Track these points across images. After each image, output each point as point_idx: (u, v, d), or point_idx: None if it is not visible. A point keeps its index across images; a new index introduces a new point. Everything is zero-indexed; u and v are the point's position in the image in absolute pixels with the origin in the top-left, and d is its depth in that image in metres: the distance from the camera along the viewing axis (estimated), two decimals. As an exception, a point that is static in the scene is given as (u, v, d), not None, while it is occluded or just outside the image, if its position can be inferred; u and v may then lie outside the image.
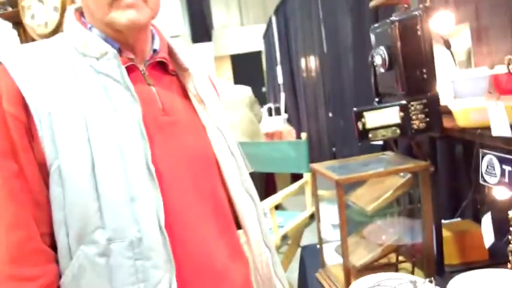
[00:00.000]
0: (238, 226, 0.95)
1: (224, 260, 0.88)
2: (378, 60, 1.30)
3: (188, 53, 0.97)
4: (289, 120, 6.04)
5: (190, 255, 0.83)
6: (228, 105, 4.15)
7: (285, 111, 6.18)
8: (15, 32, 2.11)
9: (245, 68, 10.09)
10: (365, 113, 1.25)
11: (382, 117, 1.25)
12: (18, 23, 2.06)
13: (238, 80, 4.85)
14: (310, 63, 4.21)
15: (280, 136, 5.22)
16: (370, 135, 1.25)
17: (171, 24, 10.81)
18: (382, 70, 1.31)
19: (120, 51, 0.85)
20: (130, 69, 0.85)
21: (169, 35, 0.95)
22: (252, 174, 0.99)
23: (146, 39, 0.90)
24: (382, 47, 1.29)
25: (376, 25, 1.38)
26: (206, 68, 1.05)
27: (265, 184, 4.51)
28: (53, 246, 0.79)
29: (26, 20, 1.93)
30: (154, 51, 0.91)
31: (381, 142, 1.65)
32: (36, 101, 0.77)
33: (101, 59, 0.82)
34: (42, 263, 0.77)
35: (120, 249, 0.76)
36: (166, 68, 0.93)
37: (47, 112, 0.77)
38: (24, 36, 2.03)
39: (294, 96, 5.55)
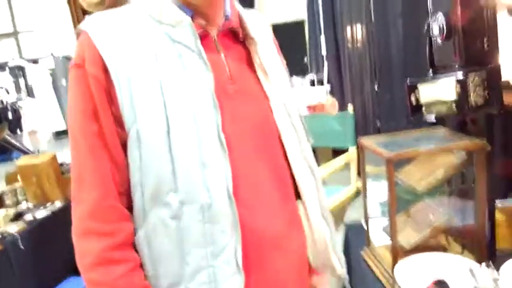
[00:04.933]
0: (298, 197, 0.95)
1: (284, 228, 0.89)
2: (435, 30, 1.21)
3: (259, 22, 0.97)
4: (331, 92, 5.90)
5: (254, 220, 0.84)
6: None
7: (328, 82, 6.04)
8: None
9: (287, 38, 9.91)
10: (419, 85, 1.18)
11: (437, 91, 1.17)
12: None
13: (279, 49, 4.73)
14: (356, 32, 4.05)
15: (322, 109, 5.09)
16: (423, 110, 1.18)
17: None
18: (439, 41, 1.22)
19: (192, 18, 0.84)
20: (202, 36, 0.85)
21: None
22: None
23: (220, 5, 0.90)
24: (440, 14, 1.19)
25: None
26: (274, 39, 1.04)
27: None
28: (129, 208, 0.82)
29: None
30: (226, 17, 0.90)
31: (432, 118, 1.56)
32: (117, 67, 0.79)
33: (176, 26, 0.82)
34: (118, 220, 0.80)
35: (191, 212, 0.78)
36: (237, 35, 0.92)
37: (126, 77, 0.78)
38: (74, 4, 2.04)
39: (338, 67, 5.39)
